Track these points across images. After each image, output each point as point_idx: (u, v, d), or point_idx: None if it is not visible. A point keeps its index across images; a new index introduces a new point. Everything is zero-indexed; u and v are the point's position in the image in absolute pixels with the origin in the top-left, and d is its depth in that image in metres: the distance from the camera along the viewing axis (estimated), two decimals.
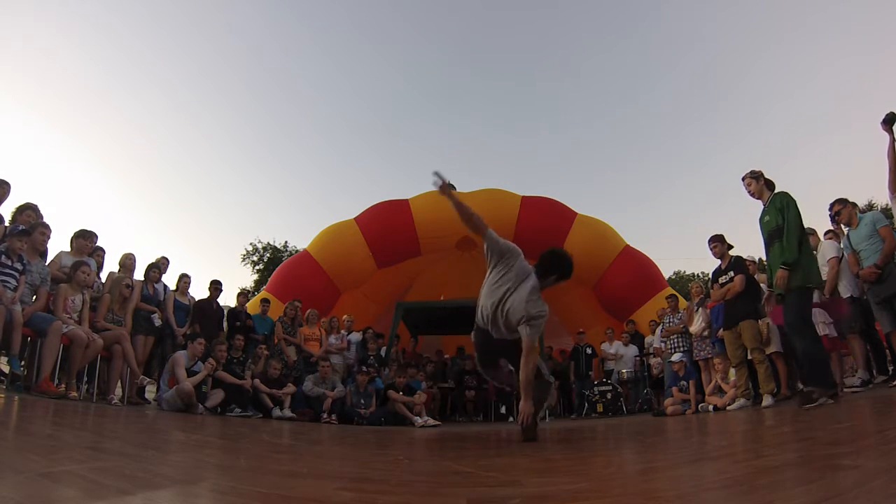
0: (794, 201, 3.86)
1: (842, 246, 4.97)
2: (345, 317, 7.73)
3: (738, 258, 5.35)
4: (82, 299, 4.69)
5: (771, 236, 3.91)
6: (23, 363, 4.22)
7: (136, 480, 1.23)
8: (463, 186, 11.07)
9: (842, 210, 4.75)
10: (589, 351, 8.35)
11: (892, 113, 4.01)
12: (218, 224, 58.86)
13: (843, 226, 4.92)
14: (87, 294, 4.79)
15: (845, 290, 4.88)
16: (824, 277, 4.81)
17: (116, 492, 1.06)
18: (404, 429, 5.43)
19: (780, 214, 3.84)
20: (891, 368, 4.96)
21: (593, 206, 65.51)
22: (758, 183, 4.08)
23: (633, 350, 8.13)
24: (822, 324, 4.81)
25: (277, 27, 62.00)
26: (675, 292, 8.25)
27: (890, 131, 4.06)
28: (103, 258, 5.73)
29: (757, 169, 4.14)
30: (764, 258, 4.49)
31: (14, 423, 2.38)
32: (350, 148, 63.86)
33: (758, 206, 4.18)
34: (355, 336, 7.53)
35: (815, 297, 4.86)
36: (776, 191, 4.06)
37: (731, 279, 5.17)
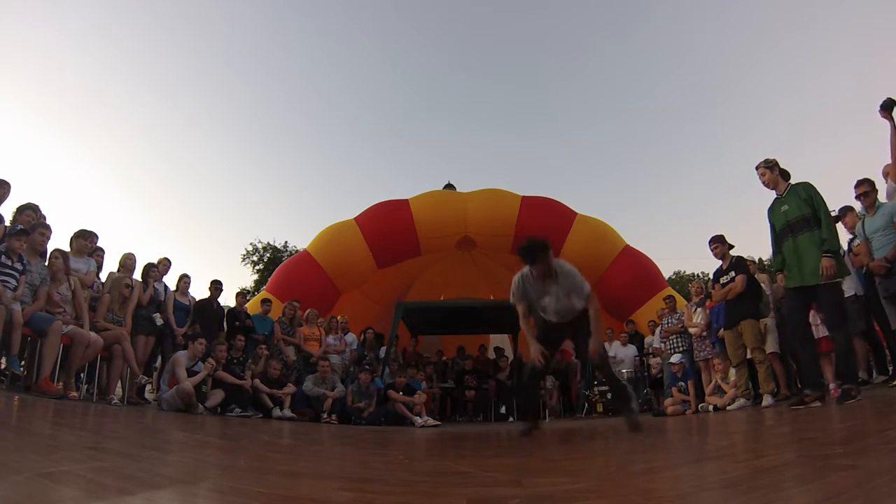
0: (815, 188, 3.80)
1: (852, 237, 4.91)
2: (339, 317, 7.73)
3: (739, 258, 5.36)
4: (69, 287, 4.60)
5: (792, 227, 3.81)
6: (23, 363, 4.22)
7: (136, 480, 1.23)
8: (463, 186, 11.09)
9: (869, 192, 4.56)
10: None
11: (890, 98, 3.96)
12: (218, 224, 58.85)
13: (859, 211, 4.77)
14: (75, 281, 4.69)
15: (849, 289, 4.88)
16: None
17: (116, 492, 1.06)
18: (404, 429, 5.43)
19: (806, 204, 3.75)
20: (891, 368, 4.96)
21: (593, 206, 65.56)
22: (772, 172, 3.97)
23: (632, 350, 8.13)
24: (815, 326, 4.79)
25: (277, 27, 62.01)
26: (673, 293, 8.25)
27: (889, 117, 4.00)
28: (103, 258, 5.73)
29: (771, 158, 4.03)
30: (764, 257, 4.45)
31: (14, 423, 2.38)
32: (350, 148, 63.90)
33: (764, 199, 4.12)
34: (351, 337, 7.54)
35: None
36: (794, 181, 3.96)
37: (733, 279, 5.17)
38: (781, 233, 3.90)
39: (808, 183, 3.87)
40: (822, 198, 3.75)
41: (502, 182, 63.96)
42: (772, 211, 4.02)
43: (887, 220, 4.28)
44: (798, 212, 3.78)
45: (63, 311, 4.43)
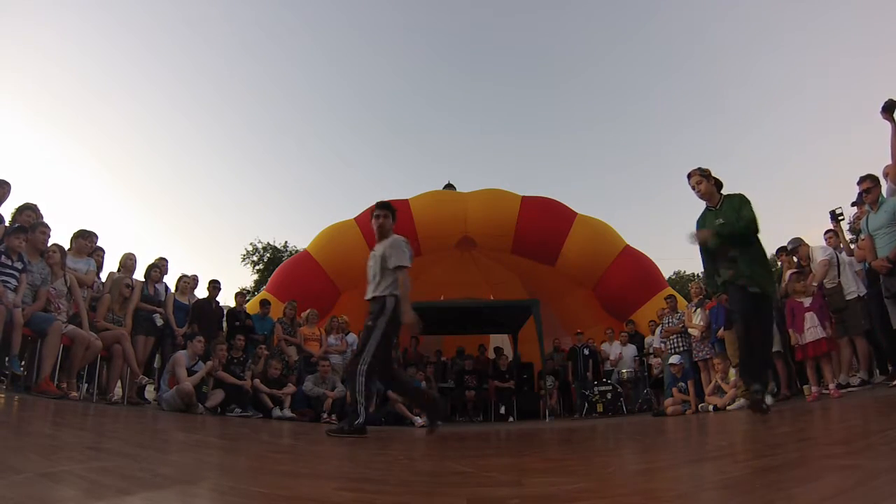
0: (749, 202, 3.53)
1: (852, 239, 4.90)
2: (341, 317, 7.73)
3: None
4: (65, 283, 4.59)
5: (732, 239, 3.51)
6: (23, 363, 4.22)
7: (136, 480, 1.23)
8: (463, 186, 11.10)
9: (872, 188, 4.44)
10: (586, 352, 8.35)
11: (891, 100, 3.94)
12: (218, 224, 58.79)
13: (866, 206, 4.64)
14: (71, 278, 4.68)
15: (852, 291, 4.89)
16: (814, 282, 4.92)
17: (116, 492, 1.06)
18: (404, 429, 5.43)
19: (738, 216, 3.49)
20: (890, 368, 4.96)
21: (593, 206, 65.54)
22: (708, 182, 3.67)
23: (632, 350, 8.13)
24: (813, 328, 4.80)
25: (277, 27, 61.98)
26: (674, 292, 8.25)
27: (890, 119, 3.97)
28: (103, 258, 5.74)
29: (705, 167, 3.73)
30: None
31: (14, 423, 2.38)
32: (350, 148, 63.83)
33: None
34: (352, 337, 7.54)
35: (807, 302, 4.88)
36: (727, 192, 3.66)
37: None
38: (720, 249, 3.56)
39: (742, 195, 3.59)
40: (751, 211, 3.48)
41: (502, 182, 64.02)
42: (703, 222, 3.70)
43: (890, 217, 4.22)
44: (735, 227, 3.50)
45: (58, 307, 4.42)
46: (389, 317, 3.42)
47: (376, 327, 3.39)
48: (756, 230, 3.48)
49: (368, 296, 3.59)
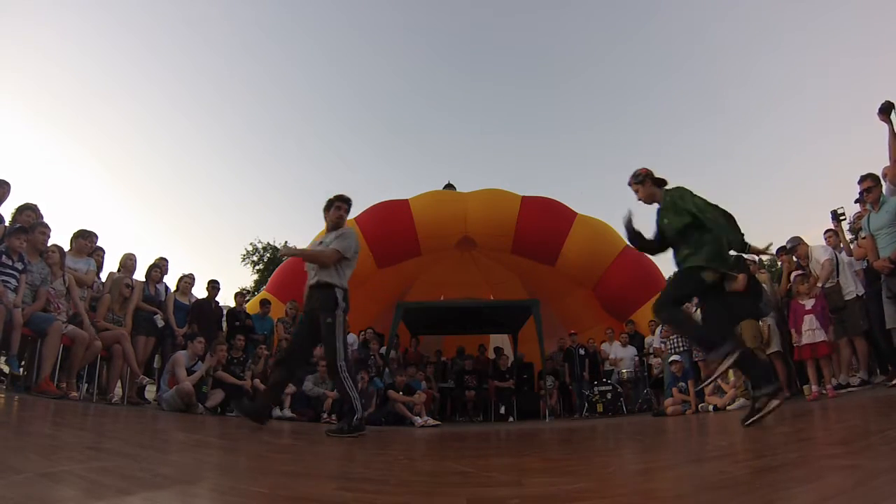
0: (687, 191, 3.23)
1: (851, 239, 4.88)
2: None
3: (739, 257, 5.33)
4: (64, 283, 4.57)
5: (682, 236, 3.24)
6: (23, 363, 4.22)
7: (136, 480, 1.23)
8: (463, 186, 11.09)
9: (873, 188, 4.36)
10: (581, 352, 8.34)
11: (888, 102, 3.94)
12: (218, 224, 58.67)
13: (868, 206, 4.55)
14: (70, 278, 4.66)
15: (850, 291, 4.88)
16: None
17: (116, 492, 1.06)
18: (404, 429, 5.43)
19: (684, 215, 3.18)
20: (890, 368, 4.96)
21: (593, 206, 65.37)
22: (644, 187, 3.36)
23: (632, 350, 8.13)
24: (811, 331, 4.79)
25: (277, 27, 61.95)
26: None
27: (888, 120, 3.98)
28: (103, 258, 5.73)
29: (640, 169, 3.41)
30: (765, 257, 4.29)
31: (14, 423, 2.38)
32: (350, 148, 63.76)
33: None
34: (351, 337, 7.53)
35: (808, 304, 4.88)
36: (668, 187, 3.39)
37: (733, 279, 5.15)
38: (673, 241, 3.36)
39: (679, 189, 3.27)
40: (702, 202, 3.15)
41: (502, 182, 63.81)
42: (658, 224, 3.46)
43: (892, 217, 4.19)
44: (679, 223, 3.21)
45: (57, 307, 4.42)
46: (344, 308, 3.54)
47: (336, 324, 3.47)
48: (711, 207, 3.16)
49: (311, 280, 3.65)
